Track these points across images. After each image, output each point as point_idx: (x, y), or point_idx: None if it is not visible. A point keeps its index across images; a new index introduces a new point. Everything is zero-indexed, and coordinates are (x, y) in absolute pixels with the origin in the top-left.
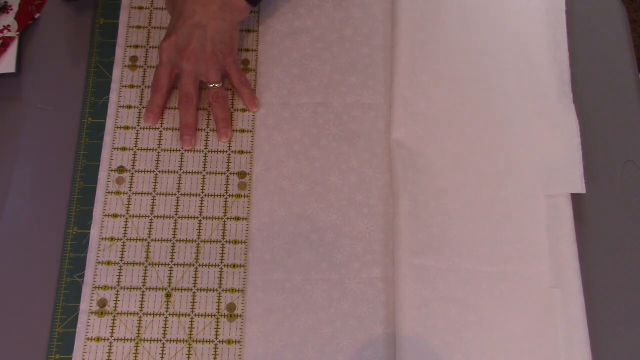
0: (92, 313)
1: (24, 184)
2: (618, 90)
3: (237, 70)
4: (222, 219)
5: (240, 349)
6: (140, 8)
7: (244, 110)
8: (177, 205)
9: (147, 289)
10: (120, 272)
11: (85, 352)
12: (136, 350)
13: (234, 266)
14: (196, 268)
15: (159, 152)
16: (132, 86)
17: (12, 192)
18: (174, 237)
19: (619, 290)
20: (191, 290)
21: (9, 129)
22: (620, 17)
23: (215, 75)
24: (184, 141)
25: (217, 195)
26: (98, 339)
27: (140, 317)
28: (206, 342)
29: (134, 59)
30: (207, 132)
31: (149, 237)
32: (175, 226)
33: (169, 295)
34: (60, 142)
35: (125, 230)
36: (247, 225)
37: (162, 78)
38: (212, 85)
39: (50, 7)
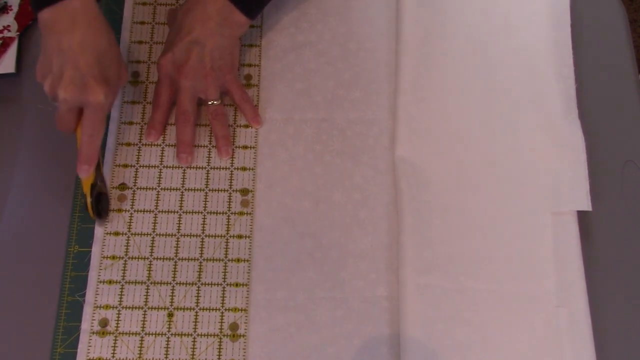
0: (93, 333)
1: (24, 184)
2: (618, 90)
3: (238, 86)
4: (224, 236)
5: None
6: (142, 23)
7: (246, 126)
8: (179, 223)
9: (148, 308)
10: (121, 291)
11: None
12: None
13: (237, 285)
14: (198, 287)
15: (160, 169)
16: (133, 102)
17: (12, 194)
18: (176, 256)
19: (625, 308)
20: (193, 309)
21: (9, 129)
22: (620, 17)
23: (214, 91)
24: (180, 158)
25: (220, 213)
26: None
27: (142, 337)
28: None
29: (135, 74)
30: (209, 149)
31: (151, 255)
32: (177, 244)
33: (170, 315)
34: (61, 145)
35: (127, 248)
36: (250, 243)
37: (162, 94)
38: (210, 102)
39: None
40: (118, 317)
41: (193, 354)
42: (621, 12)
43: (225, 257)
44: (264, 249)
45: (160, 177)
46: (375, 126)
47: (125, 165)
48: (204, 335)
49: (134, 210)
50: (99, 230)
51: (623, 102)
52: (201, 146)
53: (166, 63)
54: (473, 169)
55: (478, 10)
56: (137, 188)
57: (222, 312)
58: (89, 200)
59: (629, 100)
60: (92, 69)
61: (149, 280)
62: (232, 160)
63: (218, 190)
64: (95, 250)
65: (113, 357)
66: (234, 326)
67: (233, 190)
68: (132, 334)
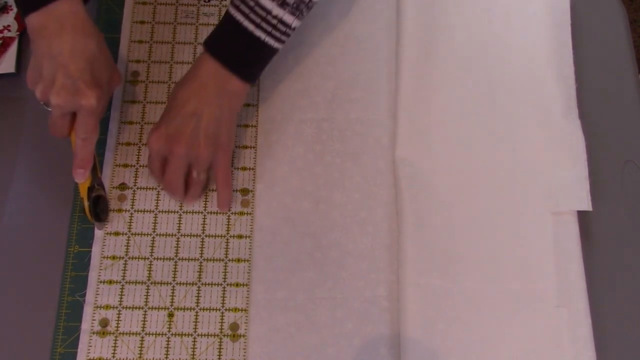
0: (93, 333)
1: (24, 184)
2: (618, 90)
3: (225, 168)
4: (224, 236)
5: None
6: (142, 22)
7: (246, 126)
8: (180, 223)
9: (149, 308)
10: (122, 291)
11: None
12: None
13: (237, 285)
14: (199, 287)
15: None
16: (133, 102)
17: (11, 194)
18: (176, 255)
19: (625, 308)
20: (194, 309)
21: (9, 129)
22: (620, 17)
23: (204, 162)
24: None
25: (220, 213)
26: None
27: (142, 337)
28: None
29: (135, 74)
30: None
31: (151, 255)
32: (177, 244)
33: (171, 315)
34: (61, 145)
35: (127, 249)
36: (250, 243)
37: (155, 170)
38: (195, 173)
39: None
40: (118, 317)
41: (193, 354)
42: (621, 12)
43: (226, 257)
44: (264, 249)
45: None
46: (375, 126)
47: (125, 165)
48: (204, 335)
49: (134, 210)
50: (99, 231)
51: (623, 102)
52: None
53: (158, 139)
54: (473, 169)
55: (478, 11)
56: (137, 188)
57: (222, 312)
58: (86, 204)
59: (629, 100)
60: (83, 73)
61: (149, 280)
62: (233, 160)
63: None
64: (96, 251)
65: (113, 357)
66: (234, 326)
67: (233, 190)
68: (133, 334)
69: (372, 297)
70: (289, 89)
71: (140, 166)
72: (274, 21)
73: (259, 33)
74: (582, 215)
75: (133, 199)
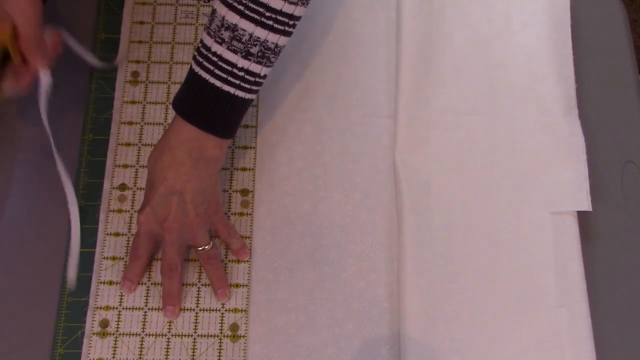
0: (93, 334)
1: (24, 184)
2: (618, 90)
3: (225, 225)
4: None
5: None
6: (142, 22)
7: (246, 127)
8: None
9: (149, 309)
10: (122, 292)
11: None
12: None
13: (237, 285)
14: (198, 288)
15: None
16: (133, 102)
17: (11, 194)
18: None
19: (625, 308)
20: (193, 310)
21: (9, 129)
22: (620, 17)
23: (203, 238)
24: (166, 311)
25: None
26: None
27: (142, 337)
28: None
29: (135, 74)
30: None
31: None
32: None
33: None
34: (61, 145)
35: (127, 249)
36: (250, 243)
37: (140, 248)
38: (201, 249)
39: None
40: (118, 318)
41: (193, 355)
42: (621, 12)
43: (226, 257)
44: (264, 250)
45: None
46: (375, 126)
47: (125, 166)
48: (204, 336)
49: (134, 211)
50: (100, 232)
51: (623, 102)
52: None
53: (146, 220)
54: (473, 169)
55: (478, 10)
56: (137, 188)
57: (222, 313)
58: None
59: (629, 100)
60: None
61: (149, 281)
62: (232, 161)
63: None
64: (96, 251)
65: (113, 358)
66: (234, 327)
67: (233, 191)
68: (133, 334)
69: (372, 298)
70: (289, 89)
71: (140, 166)
72: (241, 73)
73: (227, 88)
74: (582, 215)
75: (133, 199)
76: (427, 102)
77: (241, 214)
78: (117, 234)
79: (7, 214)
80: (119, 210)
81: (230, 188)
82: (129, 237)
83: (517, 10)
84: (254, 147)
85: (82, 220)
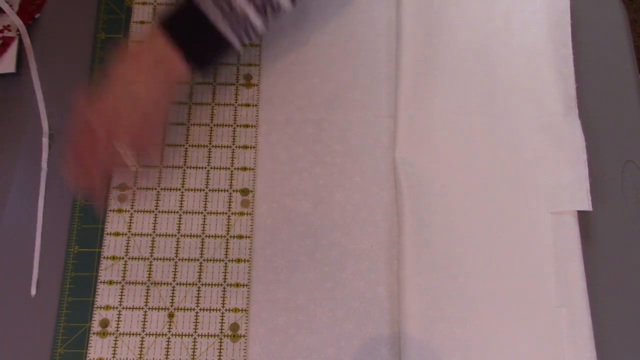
0: (93, 333)
1: (24, 184)
2: (618, 90)
3: (149, 143)
4: (224, 237)
5: None
6: (142, 22)
7: (246, 126)
8: (180, 223)
9: (149, 308)
10: (122, 292)
11: None
12: None
13: (237, 285)
14: (199, 287)
15: (161, 169)
16: None
17: (11, 194)
18: (176, 256)
19: (625, 308)
20: (194, 310)
21: (9, 129)
22: (620, 17)
23: (124, 135)
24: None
25: (220, 213)
26: None
27: (142, 337)
28: None
29: None
30: (209, 149)
31: (151, 255)
32: (177, 244)
33: (171, 315)
34: (62, 152)
35: (127, 249)
36: (250, 243)
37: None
38: (118, 147)
39: (50, 9)
40: (118, 317)
41: (193, 355)
42: (621, 12)
43: (226, 257)
44: (264, 250)
45: (160, 177)
46: (375, 126)
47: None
48: (205, 335)
49: (134, 211)
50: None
51: (623, 102)
52: (201, 146)
53: (101, 114)
54: (473, 169)
55: (478, 10)
56: (137, 188)
57: (222, 313)
58: None
59: (629, 100)
60: None
61: (149, 280)
62: (232, 161)
63: (218, 191)
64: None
65: (114, 357)
66: (234, 327)
67: (233, 191)
68: (133, 334)
69: (372, 298)
70: (289, 89)
71: (140, 166)
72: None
73: (230, 36)
74: (582, 215)
75: (133, 199)
76: (427, 102)
77: (241, 213)
78: (117, 234)
79: (7, 214)
80: (119, 210)
81: (230, 188)
82: (128, 237)
83: (517, 10)
84: (254, 147)
85: (83, 221)
